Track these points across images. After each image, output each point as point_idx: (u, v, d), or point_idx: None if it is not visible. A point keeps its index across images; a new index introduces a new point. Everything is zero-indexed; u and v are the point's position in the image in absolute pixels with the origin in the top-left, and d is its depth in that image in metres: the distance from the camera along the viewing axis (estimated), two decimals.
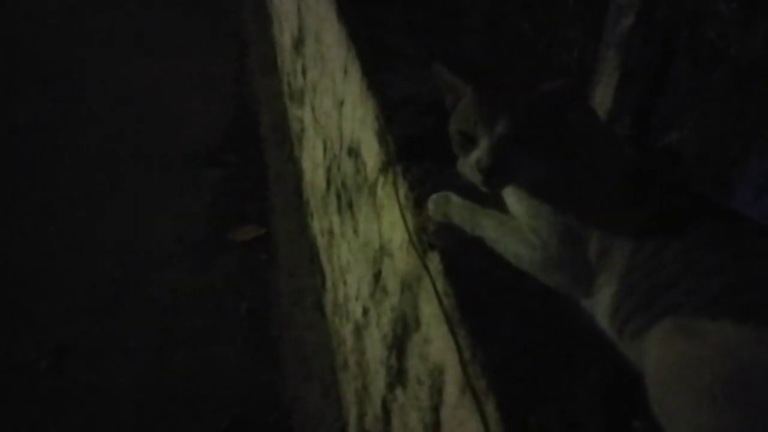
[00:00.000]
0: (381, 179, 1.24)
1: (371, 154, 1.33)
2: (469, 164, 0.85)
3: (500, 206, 0.94)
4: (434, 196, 1.00)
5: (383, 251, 1.26)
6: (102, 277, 2.42)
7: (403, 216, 1.07)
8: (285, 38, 3.11)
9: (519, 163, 0.82)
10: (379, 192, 1.26)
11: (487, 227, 0.92)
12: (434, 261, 0.95)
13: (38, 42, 4.18)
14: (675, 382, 0.65)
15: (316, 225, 2.27)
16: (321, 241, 2.17)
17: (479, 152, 0.83)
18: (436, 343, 0.94)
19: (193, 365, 2.13)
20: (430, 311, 0.97)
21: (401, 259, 1.12)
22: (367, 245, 1.41)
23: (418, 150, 1.14)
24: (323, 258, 2.14)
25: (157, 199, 2.85)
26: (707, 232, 0.76)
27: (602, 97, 1.53)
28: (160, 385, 2.05)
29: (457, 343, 0.84)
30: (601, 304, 0.80)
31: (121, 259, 2.51)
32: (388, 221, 1.21)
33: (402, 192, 1.09)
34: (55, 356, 2.11)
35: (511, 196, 0.91)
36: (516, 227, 0.88)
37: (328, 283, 2.05)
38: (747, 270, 0.71)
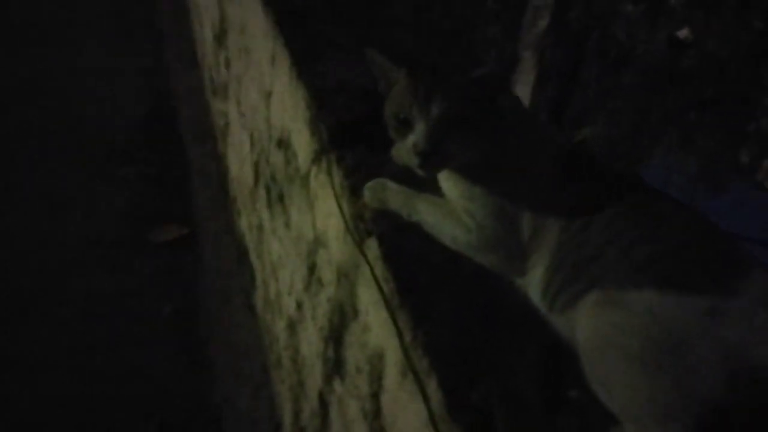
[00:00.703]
0: (314, 169, 1.22)
1: (302, 144, 1.31)
2: (406, 148, 0.86)
3: (435, 192, 0.95)
4: (370, 183, 0.99)
5: (318, 243, 1.24)
6: (12, 284, 2.24)
7: (339, 204, 1.06)
8: (205, 31, 3.01)
9: (455, 145, 0.84)
10: (312, 182, 1.24)
11: (424, 212, 0.92)
12: (372, 247, 0.94)
13: None
14: (606, 350, 0.69)
15: (244, 222, 2.20)
16: (249, 238, 2.11)
17: (415, 136, 0.84)
18: (375, 329, 0.94)
19: (116, 371, 2.03)
20: (368, 298, 0.96)
21: (337, 249, 1.11)
22: (300, 238, 1.39)
23: (351, 138, 1.13)
24: (252, 255, 2.08)
25: (69, 198, 2.68)
26: (629, 207, 0.80)
27: (520, 95, 1.59)
28: (81, 393, 1.93)
29: (397, 326, 0.84)
30: (533, 282, 0.83)
31: (33, 264, 2.34)
32: (322, 212, 1.20)
33: (337, 180, 1.07)
34: None
35: (446, 181, 0.93)
36: (452, 210, 0.90)
37: (258, 281, 1.99)
38: (666, 240, 0.75)
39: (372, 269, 0.93)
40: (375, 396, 0.95)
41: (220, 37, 2.53)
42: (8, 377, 1.93)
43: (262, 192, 1.81)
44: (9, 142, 2.98)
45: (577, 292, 0.76)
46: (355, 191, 1.03)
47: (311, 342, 1.34)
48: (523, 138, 0.92)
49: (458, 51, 1.65)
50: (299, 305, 1.43)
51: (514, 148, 0.90)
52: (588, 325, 0.72)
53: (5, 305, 2.16)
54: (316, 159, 1.21)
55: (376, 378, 0.95)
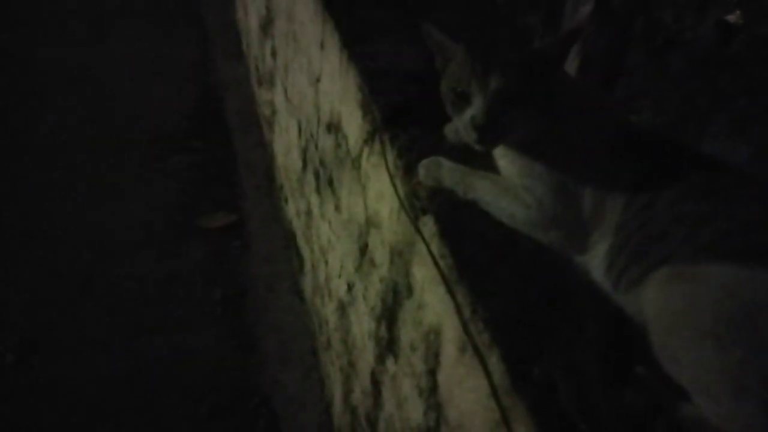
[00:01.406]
0: (366, 150, 1.23)
1: (353, 126, 1.31)
2: (464, 123, 0.85)
3: (489, 169, 0.94)
4: (425, 162, 0.99)
5: (370, 223, 1.25)
6: (68, 268, 2.34)
7: (393, 184, 1.06)
8: (251, 21, 3.05)
9: (513, 120, 0.83)
10: (364, 164, 1.25)
11: (480, 189, 0.92)
12: (428, 225, 0.95)
13: None
14: (677, 325, 0.67)
15: (292, 208, 2.24)
16: (297, 224, 2.14)
17: (473, 109, 0.83)
18: (431, 306, 0.94)
19: (167, 354, 2.08)
20: (423, 276, 0.97)
21: (390, 229, 1.12)
22: (351, 220, 1.40)
23: (403, 118, 1.14)
24: (300, 240, 2.11)
25: (121, 186, 2.77)
26: (696, 182, 0.78)
27: None
28: (133, 375, 1.99)
29: (456, 302, 0.84)
30: (596, 259, 0.82)
31: (88, 249, 2.43)
32: (374, 192, 1.20)
33: (391, 160, 1.08)
34: (23, 349, 2.03)
35: (502, 158, 0.92)
36: (509, 187, 0.89)
37: (307, 266, 2.03)
38: (737, 215, 0.73)
39: (428, 246, 0.93)
40: (431, 373, 0.95)
41: (266, 27, 2.56)
42: (65, 359, 2.02)
43: (310, 177, 1.83)
44: (63, 131, 3.10)
45: (643, 270, 0.74)
46: (409, 170, 1.04)
47: (362, 322, 1.35)
48: (582, 113, 0.90)
49: (510, 34, 1.63)
50: (350, 287, 1.44)
51: (573, 123, 0.88)
52: (657, 300, 0.70)
53: (62, 289, 2.25)
54: (368, 140, 1.22)
55: (432, 355, 0.95)
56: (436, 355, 0.94)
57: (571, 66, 1.59)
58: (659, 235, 0.75)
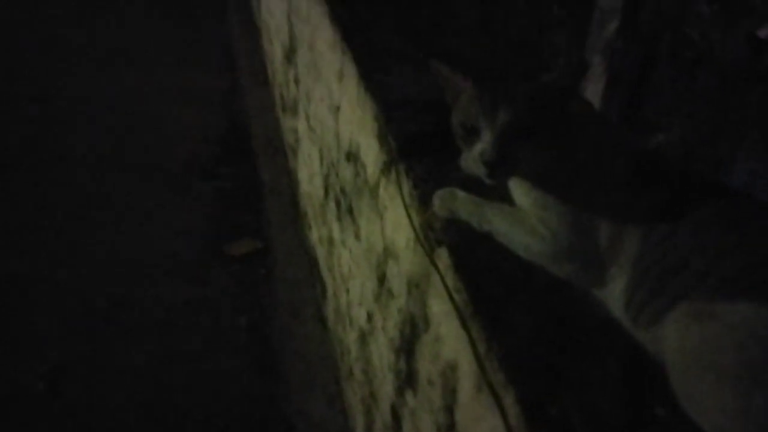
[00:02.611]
0: (383, 180, 1.23)
1: (371, 156, 1.32)
2: (473, 156, 0.85)
3: (504, 200, 0.93)
4: (439, 192, 0.99)
5: (387, 253, 1.24)
6: (96, 295, 2.38)
7: (408, 214, 1.05)
8: (275, 50, 3.12)
9: (522, 153, 0.82)
10: (381, 193, 1.25)
11: (495, 220, 0.91)
12: (442, 257, 0.93)
13: (20, 60, 4.15)
14: (696, 366, 0.64)
15: (315, 235, 2.25)
16: (320, 251, 2.15)
17: (482, 144, 0.83)
18: (448, 340, 0.93)
19: (193, 381, 2.10)
20: (440, 309, 0.95)
21: (407, 259, 1.11)
22: (369, 249, 1.39)
23: (419, 148, 1.13)
24: (323, 267, 2.12)
25: (150, 213, 2.82)
26: (715, 214, 0.75)
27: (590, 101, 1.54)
28: (160, 401, 2.01)
29: (470, 337, 0.82)
30: (614, 293, 0.79)
31: (116, 276, 2.47)
32: (391, 222, 1.20)
33: (406, 190, 1.07)
34: (53, 377, 2.07)
35: (517, 189, 0.91)
36: (524, 219, 0.88)
37: (329, 293, 2.02)
38: (758, 249, 0.70)
39: (443, 279, 0.92)
40: (449, 409, 0.93)
41: (289, 56, 2.61)
42: (93, 386, 2.05)
43: (331, 205, 1.84)
44: (94, 159, 3.19)
45: (663, 305, 0.72)
46: (424, 201, 1.03)
47: (382, 353, 1.34)
48: (596, 144, 0.89)
49: (526, 59, 1.62)
50: (370, 316, 1.43)
51: (587, 155, 0.87)
52: (677, 339, 0.67)
53: (90, 316, 2.29)
54: (385, 170, 1.22)
55: (450, 391, 0.93)
56: (454, 392, 0.92)
57: (599, 84, 1.57)
58: (678, 269, 0.72)
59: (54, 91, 3.79)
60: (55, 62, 4.12)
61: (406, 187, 1.08)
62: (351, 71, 1.45)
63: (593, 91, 1.59)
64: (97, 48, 4.35)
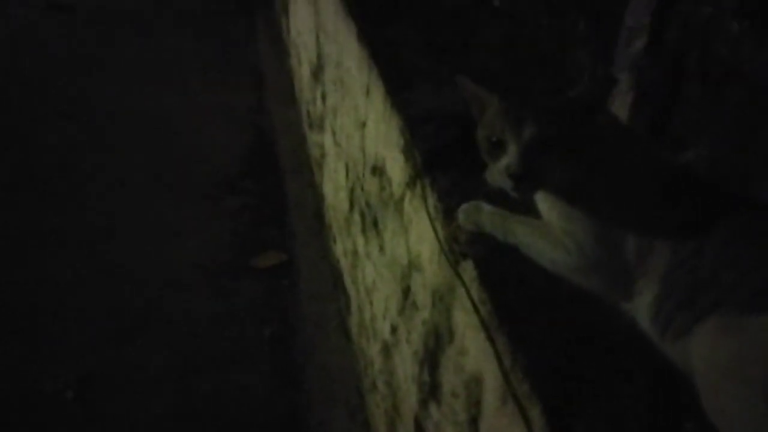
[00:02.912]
0: (408, 194, 1.25)
1: (396, 170, 1.34)
2: (499, 171, 0.86)
3: (530, 213, 0.94)
4: (464, 206, 1.00)
5: (412, 266, 1.25)
6: (124, 305, 2.43)
7: (433, 227, 1.07)
8: (303, 68, 3.18)
9: (548, 167, 0.83)
10: (407, 206, 1.26)
11: (520, 233, 0.91)
12: (468, 270, 0.94)
13: (55, 77, 4.28)
14: (726, 380, 0.64)
15: (339, 248, 2.27)
16: (344, 264, 2.17)
17: (508, 158, 0.84)
18: (473, 353, 0.93)
19: (218, 391, 2.12)
20: (464, 321, 0.96)
21: (431, 272, 1.12)
22: (394, 262, 1.41)
23: (443, 162, 1.15)
24: (347, 280, 2.13)
25: (178, 227, 2.88)
26: (745, 227, 0.75)
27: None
28: (185, 411, 2.03)
29: (495, 350, 0.83)
30: (642, 306, 0.79)
31: (142, 287, 2.52)
32: (416, 235, 1.21)
33: (431, 203, 1.09)
34: (80, 386, 2.11)
35: (543, 202, 0.91)
36: (550, 232, 0.88)
37: (353, 306, 2.04)
38: None
39: (468, 292, 0.93)
40: (473, 422, 0.94)
41: (317, 73, 2.66)
42: (120, 395, 2.08)
43: (356, 218, 1.86)
44: (125, 175, 3.27)
45: (691, 319, 0.71)
46: (449, 214, 1.04)
47: (406, 366, 1.34)
48: (623, 158, 0.89)
49: (550, 75, 1.63)
50: (394, 329, 1.44)
51: (614, 168, 0.87)
52: (706, 353, 0.67)
53: (119, 326, 2.34)
54: (410, 184, 1.23)
55: (474, 403, 0.93)
56: (478, 404, 0.92)
57: (626, 101, 1.57)
58: (708, 282, 0.72)
59: (85, 109, 3.91)
60: (87, 80, 4.25)
61: (431, 200, 1.09)
62: (378, 87, 1.48)
63: (620, 107, 1.59)
64: (127, 67, 4.48)
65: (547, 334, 0.81)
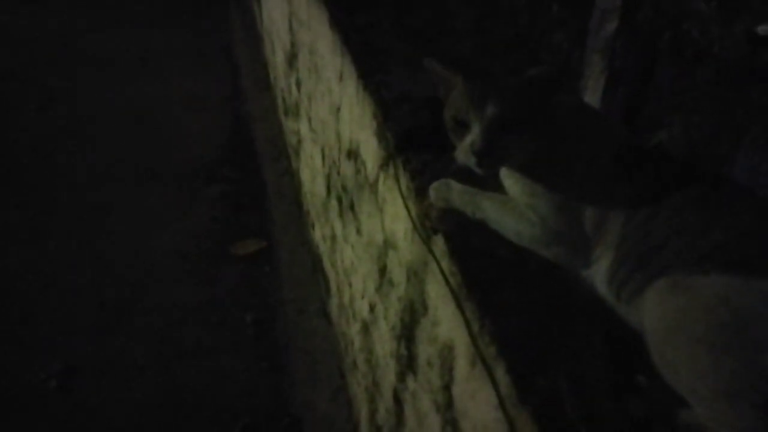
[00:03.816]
0: (382, 175, 1.28)
1: (370, 152, 1.37)
2: (464, 148, 0.90)
3: (497, 190, 0.98)
4: (435, 184, 1.04)
5: (387, 245, 1.29)
6: (106, 295, 2.44)
7: (406, 206, 1.11)
8: (278, 56, 3.18)
9: (510, 144, 0.87)
10: (381, 187, 1.30)
11: (488, 209, 0.96)
12: (439, 245, 0.99)
13: (33, 67, 4.23)
14: (673, 334, 0.69)
15: (318, 233, 2.30)
16: (323, 248, 2.21)
17: (472, 136, 0.88)
18: (445, 322, 0.98)
19: (202, 378, 2.15)
20: (436, 293, 1.01)
21: (406, 249, 1.16)
22: (370, 243, 1.45)
23: (415, 143, 1.19)
24: (326, 264, 2.17)
25: (157, 216, 2.89)
26: (694, 197, 0.80)
27: (590, 101, 1.58)
28: (169, 399, 2.06)
29: (465, 317, 0.87)
30: (599, 273, 0.85)
31: (124, 277, 2.54)
32: (390, 215, 1.25)
33: (404, 183, 1.13)
34: (64, 376, 2.13)
35: (507, 178, 0.96)
36: (515, 206, 0.93)
37: (333, 288, 2.08)
38: (731, 228, 0.75)
39: (439, 265, 0.97)
40: (446, 388, 0.99)
41: (291, 60, 2.67)
42: (103, 384, 2.10)
43: (333, 202, 1.90)
44: (103, 164, 3.26)
45: (643, 281, 0.77)
46: (421, 193, 1.08)
47: (384, 342, 1.39)
48: (581, 133, 0.94)
49: (523, 58, 1.67)
50: (372, 307, 1.49)
51: (572, 144, 0.92)
52: (654, 310, 0.73)
53: (101, 315, 2.36)
54: (384, 165, 1.27)
55: (447, 370, 0.98)
56: (451, 370, 0.97)
57: (599, 83, 1.61)
58: (658, 247, 0.78)
59: (61, 99, 3.87)
60: (61, 71, 4.20)
61: (404, 180, 1.13)
62: (351, 72, 1.51)
63: (594, 89, 1.63)
64: (102, 57, 4.44)
65: (513, 302, 0.86)
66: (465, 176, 1.03)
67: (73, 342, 2.24)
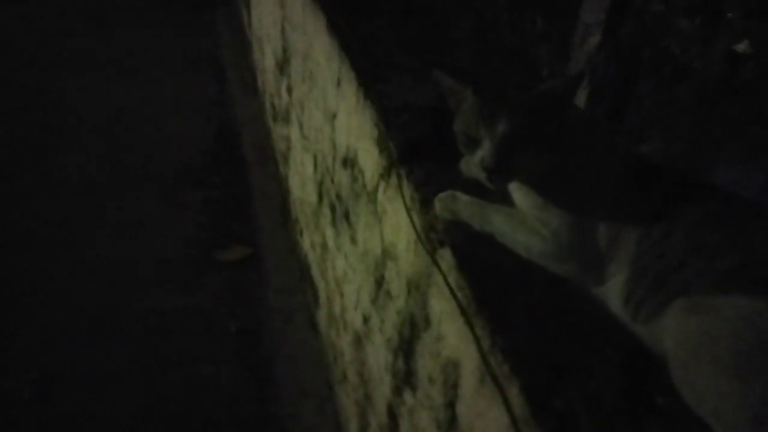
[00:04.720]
0: (382, 184, 1.26)
1: (369, 161, 1.35)
2: (474, 163, 0.89)
3: (505, 202, 0.97)
4: (441, 195, 1.02)
5: (386, 256, 1.27)
6: (87, 302, 2.37)
7: (410, 217, 1.08)
8: (267, 60, 3.14)
9: (521, 159, 0.86)
10: (380, 197, 1.28)
11: (497, 222, 0.94)
12: (445, 258, 0.96)
13: (16, 69, 4.13)
14: (696, 356, 0.68)
15: (307, 241, 2.27)
16: (312, 257, 2.17)
17: (482, 151, 0.86)
18: (450, 338, 0.96)
19: (185, 387, 2.09)
20: (441, 308, 0.98)
21: (407, 261, 1.14)
22: (366, 253, 1.42)
23: (418, 153, 1.17)
24: (315, 273, 2.13)
25: (141, 221, 2.82)
26: (710, 215, 0.79)
27: None
28: (151, 409, 2.00)
29: (474, 334, 0.85)
30: (613, 291, 0.83)
31: (106, 283, 2.46)
32: (390, 225, 1.23)
33: (407, 194, 1.10)
34: (41, 384, 2.05)
35: (517, 191, 0.94)
36: (525, 220, 0.91)
37: (322, 298, 2.04)
38: (751, 247, 0.74)
39: (446, 279, 0.95)
40: (450, 405, 0.96)
41: (282, 65, 2.64)
42: (83, 394, 2.03)
43: (326, 210, 1.87)
44: (86, 168, 3.18)
45: (661, 302, 0.75)
46: (425, 204, 1.06)
47: (379, 355, 1.36)
48: (592, 149, 0.93)
49: (521, 69, 1.67)
50: (366, 319, 1.46)
51: (585, 159, 0.91)
52: (676, 331, 0.71)
53: (81, 323, 2.28)
54: (384, 175, 1.25)
55: (451, 387, 0.96)
56: (455, 387, 0.94)
57: (581, 97, 1.62)
58: (677, 266, 0.76)
59: (44, 102, 3.78)
60: (45, 73, 4.11)
61: (408, 190, 1.11)
62: (349, 79, 1.49)
63: (576, 100, 1.64)
64: (87, 58, 4.35)
65: (523, 318, 0.84)
66: (471, 188, 1.01)
67: (52, 350, 2.16)
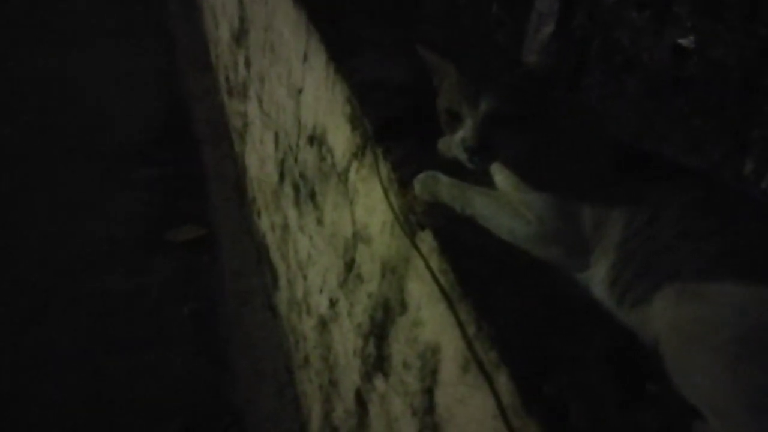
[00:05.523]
0: (354, 164, 1.21)
1: (341, 139, 1.29)
2: (455, 142, 0.85)
3: (484, 184, 0.94)
4: (421, 176, 0.98)
5: (358, 238, 1.22)
6: (28, 284, 2.22)
7: (387, 198, 1.04)
8: (221, 31, 3.01)
9: (504, 140, 0.83)
10: (352, 177, 1.23)
11: (479, 204, 0.91)
12: (426, 240, 0.93)
13: None
14: (690, 344, 0.67)
15: (265, 221, 2.19)
16: (271, 238, 2.10)
17: (464, 131, 0.84)
18: (429, 324, 0.93)
19: (133, 372, 2.00)
20: (420, 291, 0.95)
21: (382, 243, 1.10)
22: (335, 235, 1.37)
23: (395, 131, 1.12)
24: (275, 255, 2.07)
25: (86, 198, 2.66)
26: (697, 199, 0.79)
27: None
28: (98, 395, 1.90)
29: (458, 319, 0.82)
30: (597, 276, 0.82)
31: (49, 265, 2.31)
32: (364, 206, 1.18)
33: (384, 174, 1.06)
34: None
35: (499, 173, 0.92)
36: (507, 203, 0.89)
37: (282, 281, 1.98)
38: (737, 234, 0.74)
39: (427, 262, 0.92)
40: (428, 391, 0.93)
41: (240, 37, 2.52)
42: (26, 378, 1.91)
43: (288, 190, 1.80)
44: (27, 143, 2.97)
45: (649, 287, 0.74)
46: (403, 184, 1.02)
47: (347, 340, 1.32)
48: (576, 132, 0.91)
49: (488, 48, 1.65)
50: (333, 303, 1.41)
51: (569, 141, 0.89)
52: (667, 318, 0.70)
53: (23, 306, 2.14)
54: (358, 154, 1.20)
55: (429, 373, 0.93)
56: (434, 373, 0.92)
57: None
58: (664, 251, 0.75)
59: None
60: None
61: (385, 170, 1.07)
62: (318, 53, 1.42)
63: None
64: (28, 27, 4.05)
65: (510, 303, 0.82)
66: (451, 168, 0.98)
67: None
